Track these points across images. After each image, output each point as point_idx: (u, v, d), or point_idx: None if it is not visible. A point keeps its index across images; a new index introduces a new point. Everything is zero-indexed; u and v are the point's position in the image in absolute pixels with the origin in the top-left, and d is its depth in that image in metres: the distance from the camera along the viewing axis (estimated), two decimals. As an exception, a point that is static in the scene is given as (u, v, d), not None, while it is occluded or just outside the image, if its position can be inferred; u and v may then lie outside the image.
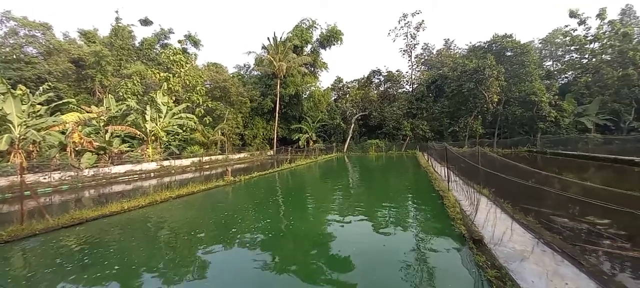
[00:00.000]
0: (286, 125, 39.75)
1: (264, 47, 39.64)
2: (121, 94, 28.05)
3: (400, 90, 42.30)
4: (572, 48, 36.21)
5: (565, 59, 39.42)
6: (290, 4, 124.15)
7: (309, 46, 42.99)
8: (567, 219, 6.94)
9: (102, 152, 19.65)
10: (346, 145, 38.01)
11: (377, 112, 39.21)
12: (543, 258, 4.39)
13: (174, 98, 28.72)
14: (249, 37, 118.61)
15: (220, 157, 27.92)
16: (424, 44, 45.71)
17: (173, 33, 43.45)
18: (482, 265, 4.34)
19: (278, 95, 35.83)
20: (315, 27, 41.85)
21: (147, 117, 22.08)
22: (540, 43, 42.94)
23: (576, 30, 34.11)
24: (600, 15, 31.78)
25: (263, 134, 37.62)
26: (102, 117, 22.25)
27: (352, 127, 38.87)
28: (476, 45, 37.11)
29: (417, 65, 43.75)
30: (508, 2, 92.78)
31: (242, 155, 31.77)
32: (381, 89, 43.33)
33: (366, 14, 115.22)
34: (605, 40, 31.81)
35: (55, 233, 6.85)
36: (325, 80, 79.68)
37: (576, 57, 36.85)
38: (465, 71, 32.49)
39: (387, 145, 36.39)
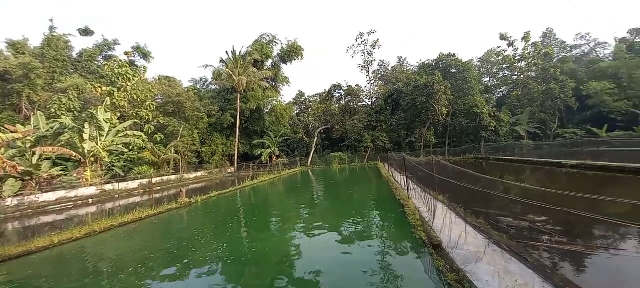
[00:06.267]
0: (248, 141, 38.49)
1: (222, 61, 38.45)
2: (54, 111, 24.64)
3: (360, 104, 43.94)
4: (504, 66, 41.40)
5: (500, 76, 44.86)
6: (248, 20, 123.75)
7: (270, 61, 42.83)
8: (511, 219, 7.56)
9: (28, 178, 16.82)
10: (310, 159, 37.95)
11: (339, 126, 40.08)
12: (494, 258, 4.62)
13: (118, 114, 26.07)
14: (205, 51, 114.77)
15: (173, 177, 25.77)
16: (380, 60, 48.49)
17: (119, 44, 39.97)
18: (442, 269, 4.47)
19: (239, 110, 34.71)
20: (275, 42, 42.01)
21: (85, 136, 19.58)
22: (478, 61, 48.33)
23: (506, 50, 39.21)
24: (525, 38, 37.03)
25: (223, 151, 35.86)
26: (28, 138, 19.18)
27: (315, 140, 39.08)
28: (425, 62, 40.54)
29: (375, 81, 46.11)
30: (450, 25, 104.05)
31: (199, 174, 29.75)
32: (342, 102, 44.60)
33: (326, 31, 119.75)
34: (530, 60, 36.98)
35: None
36: (287, 94, 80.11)
37: (508, 74, 42.15)
38: (417, 86, 35.07)
39: (350, 157, 37.18)
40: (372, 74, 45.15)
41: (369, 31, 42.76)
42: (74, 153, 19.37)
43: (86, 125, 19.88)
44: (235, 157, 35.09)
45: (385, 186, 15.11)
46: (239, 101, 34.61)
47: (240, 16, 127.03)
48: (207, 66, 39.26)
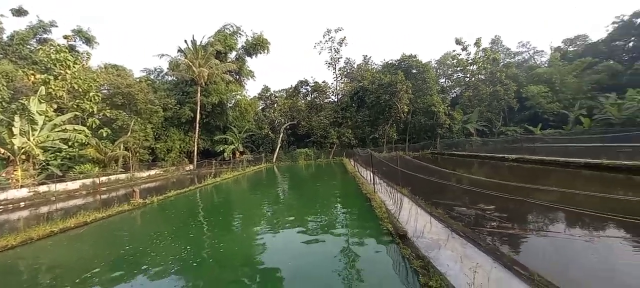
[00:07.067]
0: (209, 136, 36.55)
1: (180, 51, 35.88)
2: (-28, 101, 20.84)
3: (326, 100, 44.37)
4: (458, 69, 44.96)
5: (454, 77, 48.60)
6: (209, 9, 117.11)
7: (234, 53, 41.10)
8: (464, 208, 8.25)
9: None
10: (275, 155, 37.38)
11: (305, 121, 40.05)
12: (454, 244, 4.99)
13: (55, 106, 22.94)
14: (161, 39, 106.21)
15: (123, 176, 23.50)
16: (347, 58, 49.47)
17: (56, 26, 35.09)
18: (408, 257, 4.71)
19: (199, 103, 32.75)
20: (240, 33, 40.37)
21: (15, 131, 16.89)
22: (436, 63, 51.78)
23: (461, 54, 42.58)
24: (477, 43, 40.50)
25: (180, 147, 33.63)
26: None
27: (281, 136, 38.57)
28: (389, 62, 42.29)
29: (341, 78, 46.87)
30: (413, 28, 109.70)
31: (152, 172, 27.52)
32: (309, 98, 44.62)
33: (293, 26, 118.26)
34: (480, 63, 40.59)
35: None
36: (252, 88, 77.31)
37: (461, 76, 45.85)
38: (381, 84, 36.48)
39: (316, 153, 37.42)
40: (339, 71, 45.82)
41: (337, 28, 43.31)
42: (2, 150, 16.65)
43: (16, 118, 17.17)
44: (195, 153, 33.16)
45: (351, 181, 15.46)
46: (199, 94, 32.68)
47: (201, 3, 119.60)
48: (162, 55, 36.29)
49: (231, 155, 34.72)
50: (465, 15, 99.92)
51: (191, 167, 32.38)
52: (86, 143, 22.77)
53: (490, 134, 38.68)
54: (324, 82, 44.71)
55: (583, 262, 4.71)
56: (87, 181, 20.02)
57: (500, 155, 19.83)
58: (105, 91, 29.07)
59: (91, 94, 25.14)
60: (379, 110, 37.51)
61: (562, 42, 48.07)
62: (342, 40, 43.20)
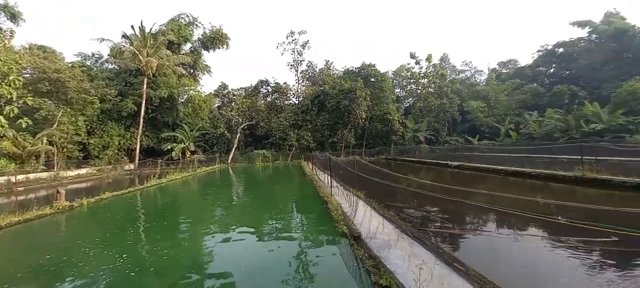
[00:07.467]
0: (155, 133, 33.42)
1: (125, 36, 32.36)
2: None
3: (287, 102, 44.01)
4: (412, 81, 48.36)
5: (408, 88, 52.15)
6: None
7: (189, 45, 38.45)
8: (413, 210, 8.82)
9: None
10: (231, 156, 35.75)
11: (264, 122, 39.16)
12: (403, 244, 5.26)
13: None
14: (103, 21, 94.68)
15: (45, 174, 20.22)
16: (309, 61, 49.56)
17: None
18: (361, 257, 4.84)
19: (144, 96, 29.80)
20: (196, 25, 37.91)
21: None
22: (392, 74, 54.99)
23: (414, 68, 45.89)
24: (428, 59, 44.09)
25: (120, 144, 30.23)
26: None
27: (237, 136, 37.08)
28: (350, 69, 43.70)
29: (303, 80, 46.94)
30: (373, 38, 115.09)
31: (83, 171, 24.18)
32: (269, 99, 43.75)
33: (255, 24, 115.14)
34: (430, 78, 44.28)
35: None
36: (208, 84, 72.78)
37: (414, 88, 49.40)
38: (342, 90, 37.50)
39: (274, 155, 36.78)
40: (301, 73, 45.87)
41: (301, 31, 43.25)
42: None
43: None
44: (137, 151, 30.04)
45: (309, 184, 15.48)
46: (145, 86, 29.76)
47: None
48: (103, 40, 32.26)
49: (181, 155, 32.22)
50: (419, 32, 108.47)
51: (132, 166, 29.23)
52: (1, 135, 19.14)
53: (436, 142, 42.31)
54: (285, 83, 44.33)
55: (509, 258, 5.34)
56: (1, 179, 16.82)
57: (444, 161, 21.79)
58: (27, 75, 24.73)
59: (11, 78, 21.10)
60: (338, 115, 38.44)
61: (497, 64, 55.51)
62: (306, 44, 43.41)
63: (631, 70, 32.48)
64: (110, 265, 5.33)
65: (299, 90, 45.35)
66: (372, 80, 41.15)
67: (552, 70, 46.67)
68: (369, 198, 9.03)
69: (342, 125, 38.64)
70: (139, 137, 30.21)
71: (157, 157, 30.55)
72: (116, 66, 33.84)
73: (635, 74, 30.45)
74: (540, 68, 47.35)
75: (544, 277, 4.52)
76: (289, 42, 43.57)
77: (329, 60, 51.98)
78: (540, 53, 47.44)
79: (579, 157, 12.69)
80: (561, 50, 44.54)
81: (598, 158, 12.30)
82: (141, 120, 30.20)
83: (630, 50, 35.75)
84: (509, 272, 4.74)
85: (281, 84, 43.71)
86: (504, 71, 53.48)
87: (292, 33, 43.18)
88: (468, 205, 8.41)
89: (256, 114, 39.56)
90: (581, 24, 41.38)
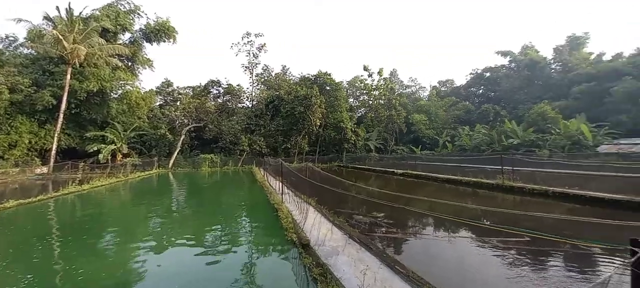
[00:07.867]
0: (78, 132, 28.81)
1: (48, 18, 27.64)
2: None
3: (240, 105, 42.28)
4: (364, 92, 50.87)
5: (360, 99, 54.67)
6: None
7: (128, 35, 34.49)
8: (361, 216, 9.10)
9: None
10: (172, 160, 32.58)
11: (213, 125, 36.87)
12: (351, 250, 5.33)
13: None
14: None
15: None
16: (265, 65, 48.38)
17: None
18: (308, 265, 4.74)
19: (67, 88, 25.62)
20: (139, 13, 34.24)
21: None
22: (347, 84, 57.15)
23: (367, 80, 48.32)
24: (379, 72, 46.89)
25: (31, 142, 25.41)
26: None
27: (182, 139, 34.14)
28: (306, 76, 44.01)
29: (258, 84, 45.66)
30: (330, 48, 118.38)
31: (-19, 174, 19.67)
32: (220, 100, 41.47)
33: (208, 20, 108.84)
34: (381, 90, 47.15)
35: None
36: (149, 80, 66.23)
37: (366, 99, 51.99)
38: (297, 96, 37.50)
39: (223, 160, 34.79)
40: (256, 76, 44.59)
41: (257, 33, 42.09)
42: None
43: None
44: (53, 152, 25.60)
45: (259, 191, 14.92)
46: (68, 76, 25.67)
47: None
48: (20, 20, 27.05)
49: (110, 157, 28.32)
50: (373, 46, 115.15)
51: (45, 169, 24.69)
52: None
53: (385, 151, 45.00)
54: (238, 85, 42.58)
55: (445, 258, 5.81)
56: None
57: (392, 169, 23.21)
58: None
59: None
60: (293, 121, 38.28)
61: (437, 83, 62.10)
62: (262, 46, 42.42)
63: (541, 95, 39.97)
64: (12, 286, 4.31)
65: (254, 94, 44.02)
66: (328, 88, 42.11)
67: (480, 91, 54.23)
68: (320, 205, 9.04)
69: (296, 131, 38.55)
70: (56, 135, 25.71)
71: (79, 160, 26.32)
72: (34, 52, 28.57)
73: (544, 98, 37.49)
74: (472, 88, 54.60)
75: (472, 274, 5.01)
76: (245, 44, 42.10)
77: (285, 66, 51.68)
78: (472, 75, 54.83)
79: (500, 167, 14.70)
80: (488, 74, 52.12)
81: (514, 168, 14.36)
82: (61, 115, 25.80)
83: (541, 78, 43.86)
84: (444, 271, 5.14)
85: (234, 85, 41.91)
86: (443, 89, 60.27)
87: (249, 34, 41.87)
88: (410, 210, 9.03)
89: (205, 115, 37.04)
90: (504, 53, 49.28)
